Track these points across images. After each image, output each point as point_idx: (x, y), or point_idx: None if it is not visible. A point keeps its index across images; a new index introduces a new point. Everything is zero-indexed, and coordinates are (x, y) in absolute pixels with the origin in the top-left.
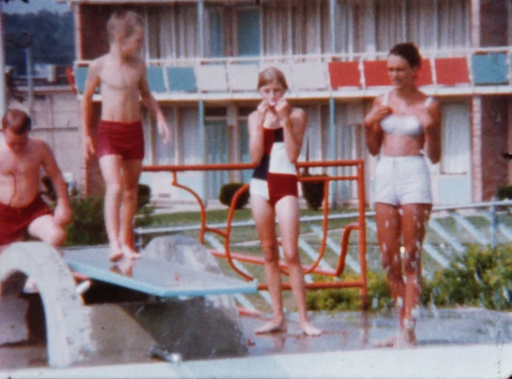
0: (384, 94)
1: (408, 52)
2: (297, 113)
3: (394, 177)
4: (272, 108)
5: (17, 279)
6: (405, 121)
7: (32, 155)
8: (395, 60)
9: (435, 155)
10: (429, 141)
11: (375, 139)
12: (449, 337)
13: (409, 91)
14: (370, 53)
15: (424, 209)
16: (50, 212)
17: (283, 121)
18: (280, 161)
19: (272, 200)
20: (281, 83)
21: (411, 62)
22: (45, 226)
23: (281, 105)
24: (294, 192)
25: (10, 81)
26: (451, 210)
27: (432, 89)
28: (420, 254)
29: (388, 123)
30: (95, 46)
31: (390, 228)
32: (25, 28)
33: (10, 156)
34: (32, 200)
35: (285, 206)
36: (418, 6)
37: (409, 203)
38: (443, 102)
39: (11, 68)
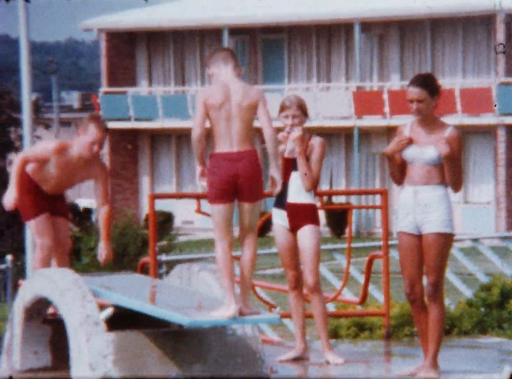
0: (406, 124)
1: (428, 83)
2: (315, 141)
3: (415, 207)
4: (286, 139)
5: (41, 305)
6: (424, 150)
7: (93, 171)
8: (415, 92)
9: (455, 184)
10: (448, 170)
11: (398, 169)
12: (473, 367)
13: (431, 121)
14: (394, 83)
15: (445, 238)
16: (66, 213)
17: (297, 150)
18: (297, 190)
19: (293, 229)
20: (300, 110)
21: (431, 92)
22: (62, 230)
23: (295, 134)
24: (314, 221)
25: (36, 108)
26: (475, 240)
27: (456, 119)
28: (442, 283)
29: (409, 153)
30: (120, 74)
31: (412, 258)
32: (51, 55)
33: (70, 165)
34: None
35: (305, 235)
36: (443, 36)
37: (430, 232)
38: (467, 132)
39: (38, 95)
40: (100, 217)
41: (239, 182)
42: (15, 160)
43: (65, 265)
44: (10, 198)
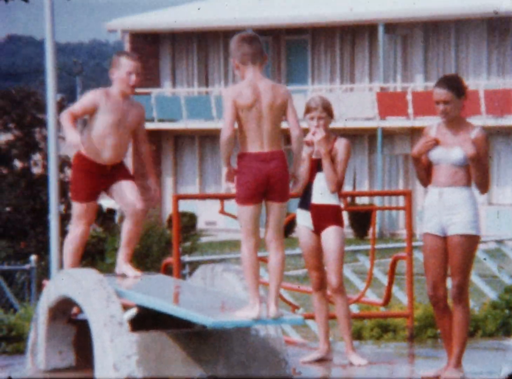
0: (433, 125)
1: (454, 84)
2: (340, 143)
3: (441, 208)
4: (309, 144)
5: (65, 305)
6: (450, 152)
7: (136, 112)
8: (442, 93)
9: (482, 186)
10: (475, 172)
11: (424, 171)
12: (497, 369)
13: (457, 122)
14: (418, 83)
15: (471, 240)
16: (132, 177)
17: (321, 152)
18: (322, 191)
19: (317, 230)
20: (326, 112)
21: (457, 94)
22: (128, 194)
23: (318, 136)
24: (338, 222)
25: (61, 109)
26: (499, 241)
27: (480, 120)
28: (467, 286)
29: (435, 154)
30: (144, 75)
31: (436, 260)
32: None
33: (120, 106)
34: (121, 160)
35: (329, 236)
36: (467, 36)
37: (455, 233)
38: (491, 133)
39: (62, 96)
40: (144, 155)
41: (271, 183)
42: (61, 115)
43: (137, 230)
44: (74, 139)
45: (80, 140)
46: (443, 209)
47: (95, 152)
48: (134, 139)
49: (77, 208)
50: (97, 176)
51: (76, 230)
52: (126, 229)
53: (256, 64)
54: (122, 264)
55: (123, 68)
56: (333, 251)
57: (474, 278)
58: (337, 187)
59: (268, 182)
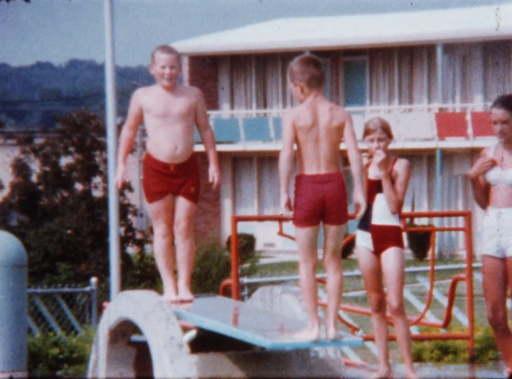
0: (491, 146)
1: None
2: (400, 164)
3: (499, 229)
4: (367, 166)
5: (126, 327)
6: (508, 173)
7: (186, 99)
8: (499, 113)
9: None
10: None
11: (482, 192)
12: None
13: None
14: (477, 103)
15: None
16: (194, 196)
17: (382, 174)
18: (383, 212)
19: (377, 251)
20: (385, 133)
21: None
22: (179, 213)
23: (378, 158)
24: (398, 243)
25: (121, 132)
26: None
27: None
28: None
29: (492, 175)
30: (206, 97)
31: (496, 281)
32: (135, 80)
33: (163, 97)
34: (188, 157)
35: (390, 257)
36: None
37: None
38: None
39: (122, 119)
40: (205, 141)
41: (327, 205)
42: (121, 135)
43: (185, 246)
44: (118, 176)
45: (123, 174)
46: (502, 229)
47: (155, 149)
48: (197, 126)
49: (150, 209)
50: (161, 174)
51: (157, 231)
52: (178, 251)
53: (321, 87)
54: (180, 287)
55: (158, 63)
56: (393, 272)
57: None
58: (398, 208)
59: (324, 205)
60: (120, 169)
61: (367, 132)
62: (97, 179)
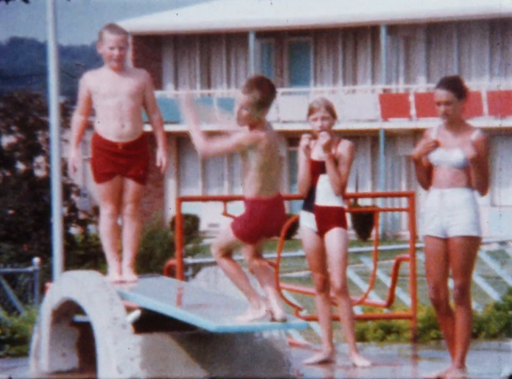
0: (433, 127)
1: (455, 86)
2: (344, 146)
3: (441, 210)
4: (308, 147)
5: (69, 307)
6: (451, 153)
7: (135, 79)
8: (443, 94)
9: (482, 187)
10: (474, 174)
11: (425, 173)
12: (500, 370)
13: (457, 124)
14: (421, 85)
15: (472, 241)
16: (142, 179)
17: (325, 156)
18: (326, 193)
19: (321, 232)
20: (329, 112)
21: (458, 95)
22: (128, 195)
23: (323, 140)
24: (342, 224)
25: (64, 111)
26: (502, 243)
27: (483, 121)
28: (469, 287)
29: (435, 156)
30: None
31: (438, 262)
32: (78, 59)
33: (111, 78)
34: (135, 137)
35: (333, 238)
36: (469, 38)
37: (456, 235)
38: (493, 134)
39: (65, 98)
40: (154, 125)
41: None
42: (72, 122)
43: (131, 227)
44: (70, 162)
45: (75, 160)
46: (444, 210)
47: (102, 128)
48: (145, 109)
49: (98, 189)
50: (108, 154)
51: (104, 211)
52: (124, 231)
53: None
54: (124, 268)
55: (106, 43)
56: (336, 253)
57: (477, 279)
58: (342, 189)
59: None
60: (72, 155)
61: (311, 111)
62: (39, 159)
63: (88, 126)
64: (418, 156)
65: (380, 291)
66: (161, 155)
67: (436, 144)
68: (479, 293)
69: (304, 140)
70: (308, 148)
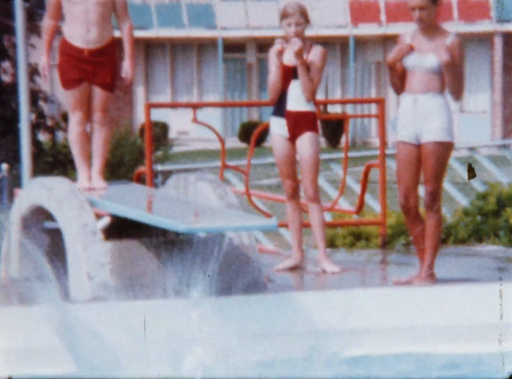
0: (407, 32)
1: None
2: (316, 51)
3: (414, 115)
4: (281, 52)
5: (38, 214)
6: (425, 58)
7: None
8: (417, 0)
9: (456, 92)
10: (449, 78)
11: (399, 78)
12: (469, 275)
13: (432, 28)
14: None
15: (445, 146)
16: (109, 86)
17: (297, 62)
18: (298, 98)
19: (292, 137)
20: (303, 17)
21: (432, 0)
22: (95, 102)
23: (296, 46)
24: (314, 129)
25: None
26: (471, 148)
27: (453, 27)
28: (440, 193)
29: (409, 60)
30: None
31: (409, 168)
32: None
33: None
34: (103, 44)
35: (305, 143)
36: None
37: (429, 141)
38: (464, 40)
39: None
40: (123, 34)
41: None
42: (42, 27)
43: (100, 135)
44: (41, 65)
45: (45, 65)
46: (417, 116)
47: (69, 33)
48: (116, 18)
49: (66, 97)
50: (75, 60)
51: (73, 119)
52: (93, 139)
53: None
54: (93, 175)
55: None
56: (308, 159)
57: (446, 185)
58: (312, 95)
59: None
60: (43, 61)
61: (284, 15)
62: (6, 64)
63: (58, 31)
64: (393, 61)
65: (350, 197)
66: (126, 67)
67: (410, 49)
68: (448, 199)
69: (277, 45)
70: (281, 54)
